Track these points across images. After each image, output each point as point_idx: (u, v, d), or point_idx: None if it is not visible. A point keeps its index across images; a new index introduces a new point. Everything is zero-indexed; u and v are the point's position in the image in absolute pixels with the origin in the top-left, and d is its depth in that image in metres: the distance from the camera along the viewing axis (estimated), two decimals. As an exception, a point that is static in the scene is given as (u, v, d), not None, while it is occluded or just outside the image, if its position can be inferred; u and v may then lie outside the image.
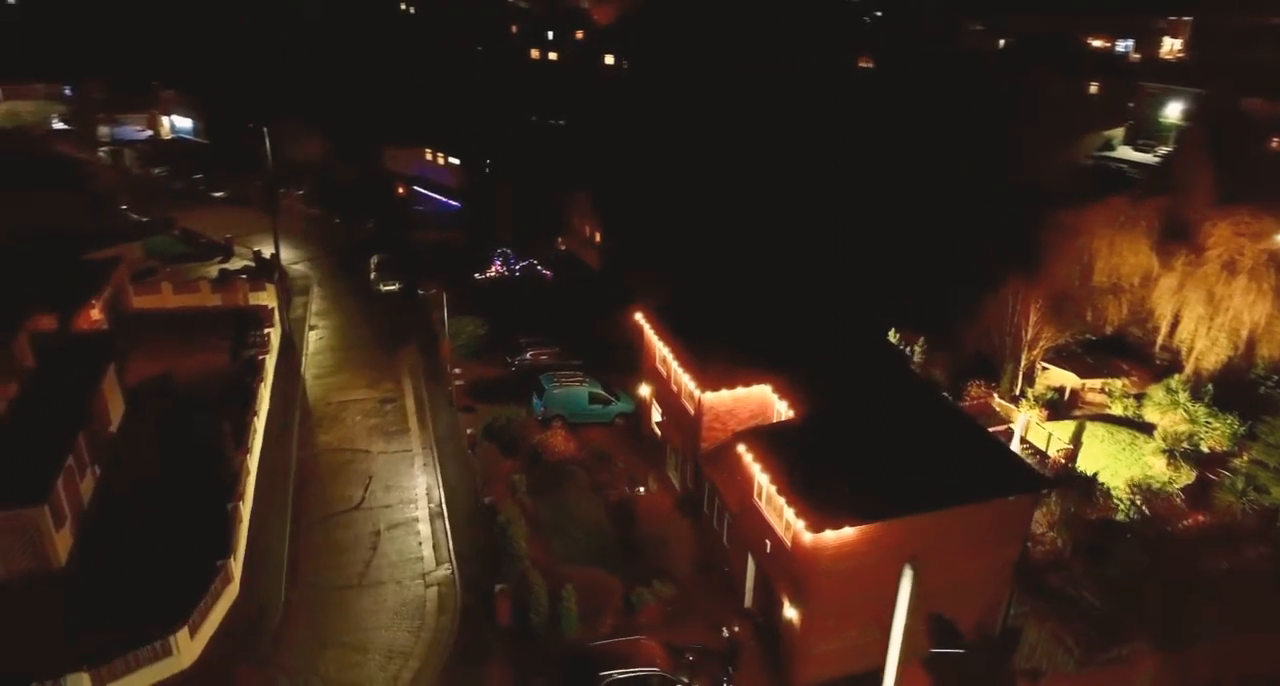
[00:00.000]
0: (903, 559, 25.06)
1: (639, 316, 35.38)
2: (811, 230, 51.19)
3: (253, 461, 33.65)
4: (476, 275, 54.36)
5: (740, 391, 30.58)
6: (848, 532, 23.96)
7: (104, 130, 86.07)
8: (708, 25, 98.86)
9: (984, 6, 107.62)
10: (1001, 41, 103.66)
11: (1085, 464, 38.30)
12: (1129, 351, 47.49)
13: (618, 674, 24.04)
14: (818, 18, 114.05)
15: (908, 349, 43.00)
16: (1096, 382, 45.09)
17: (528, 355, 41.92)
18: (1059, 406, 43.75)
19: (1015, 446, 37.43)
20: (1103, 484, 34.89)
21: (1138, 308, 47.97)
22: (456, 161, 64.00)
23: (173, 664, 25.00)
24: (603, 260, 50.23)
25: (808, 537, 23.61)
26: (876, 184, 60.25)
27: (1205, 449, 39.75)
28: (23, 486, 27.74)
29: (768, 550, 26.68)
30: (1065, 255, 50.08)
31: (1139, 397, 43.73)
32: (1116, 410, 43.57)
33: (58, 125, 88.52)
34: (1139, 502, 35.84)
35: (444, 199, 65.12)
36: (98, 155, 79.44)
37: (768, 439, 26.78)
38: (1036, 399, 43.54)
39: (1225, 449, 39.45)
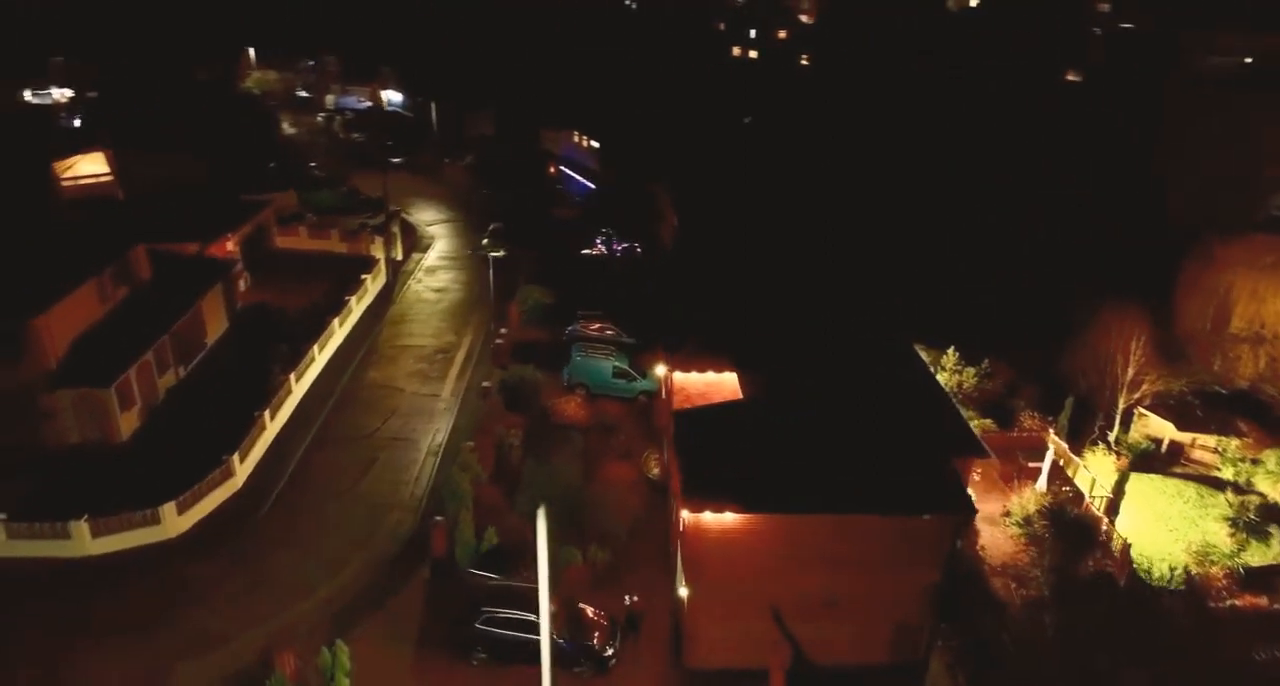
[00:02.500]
0: (797, 557, 24.65)
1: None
2: (903, 239, 49.04)
3: (298, 383, 38.06)
4: (584, 251, 56.95)
5: (712, 376, 30.65)
6: (730, 519, 23.74)
7: (330, 99, 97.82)
8: (898, 28, 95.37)
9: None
10: (1248, 60, 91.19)
11: (1141, 520, 34.48)
12: (1260, 411, 41.63)
13: (494, 610, 25.38)
14: (1040, 27, 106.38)
15: (963, 369, 40.29)
16: (1210, 440, 39.96)
17: (578, 325, 43.68)
18: (1152, 458, 39.37)
19: (1042, 484, 34.33)
20: (1120, 537, 31.28)
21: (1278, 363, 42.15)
22: (597, 145, 66.93)
23: (158, 532, 29.38)
24: (674, 246, 51.04)
25: (686, 516, 23.71)
26: (1016, 202, 56.26)
27: (1316, 531, 34.47)
28: (97, 371, 33.54)
29: (680, 528, 26.82)
30: (1197, 294, 44.79)
31: (1257, 462, 38.49)
32: (1226, 473, 38.58)
33: (300, 93, 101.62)
34: (1190, 570, 32.03)
35: (583, 179, 68.33)
36: (316, 120, 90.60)
37: (695, 417, 26.87)
38: (1130, 447, 39.51)
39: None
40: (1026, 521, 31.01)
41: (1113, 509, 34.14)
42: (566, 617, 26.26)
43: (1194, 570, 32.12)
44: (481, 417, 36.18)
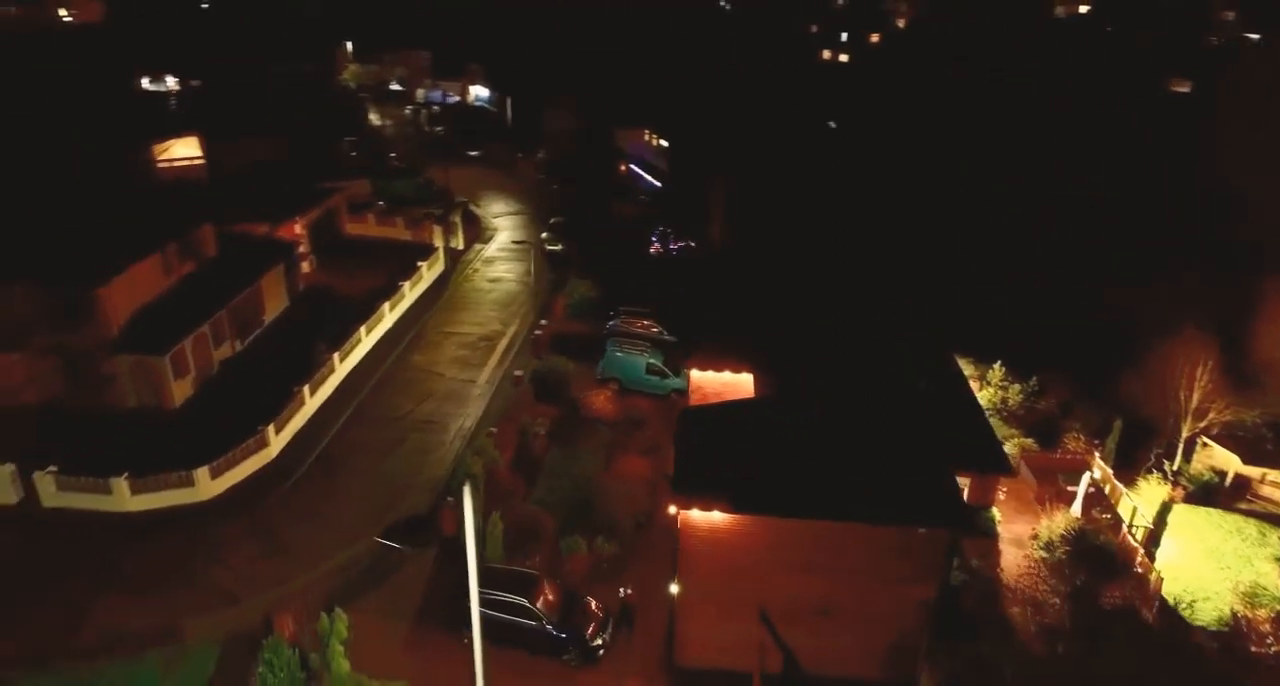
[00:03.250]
0: (787, 562, 24.31)
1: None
2: (956, 247, 47.50)
3: (342, 362, 39.51)
4: (645, 249, 57.23)
5: (729, 376, 30.45)
6: (719, 518, 23.56)
7: (420, 93, 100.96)
8: (994, 34, 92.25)
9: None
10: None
11: (1191, 555, 32.59)
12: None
13: (485, 590, 25.81)
14: (1154, 35, 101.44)
15: (1009, 385, 38.82)
16: (1280, 475, 37.49)
17: (617, 321, 43.90)
18: (1214, 491, 37.13)
19: (1076, 508, 32.75)
20: (1156, 569, 29.59)
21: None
22: (665, 144, 67.13)
23: (191, 494, 31.04)
24: (721, 245, 50.88)
25: (671, 510, 23.68)
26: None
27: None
28: (153, 340, 35.61)
29: (679, 524, 26.74)
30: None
31: (1335, 502, 35.96)
32: (1298, 512, 36.12)
33: (394, 86, 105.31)
34: (1236, 610, 30.17)
35: (650, 178, 68.60)
36: (404, 113, 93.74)
37: (699, 414, 26.76)
38: (1191, 478, 37.36)
39: None
40: (1049, 545, 29.68)
41: (1152, 539, 32.32)
42: (562, 605, 26.51)
43: (1240, 610, 30.19)
44: (510, 405, 36.84)
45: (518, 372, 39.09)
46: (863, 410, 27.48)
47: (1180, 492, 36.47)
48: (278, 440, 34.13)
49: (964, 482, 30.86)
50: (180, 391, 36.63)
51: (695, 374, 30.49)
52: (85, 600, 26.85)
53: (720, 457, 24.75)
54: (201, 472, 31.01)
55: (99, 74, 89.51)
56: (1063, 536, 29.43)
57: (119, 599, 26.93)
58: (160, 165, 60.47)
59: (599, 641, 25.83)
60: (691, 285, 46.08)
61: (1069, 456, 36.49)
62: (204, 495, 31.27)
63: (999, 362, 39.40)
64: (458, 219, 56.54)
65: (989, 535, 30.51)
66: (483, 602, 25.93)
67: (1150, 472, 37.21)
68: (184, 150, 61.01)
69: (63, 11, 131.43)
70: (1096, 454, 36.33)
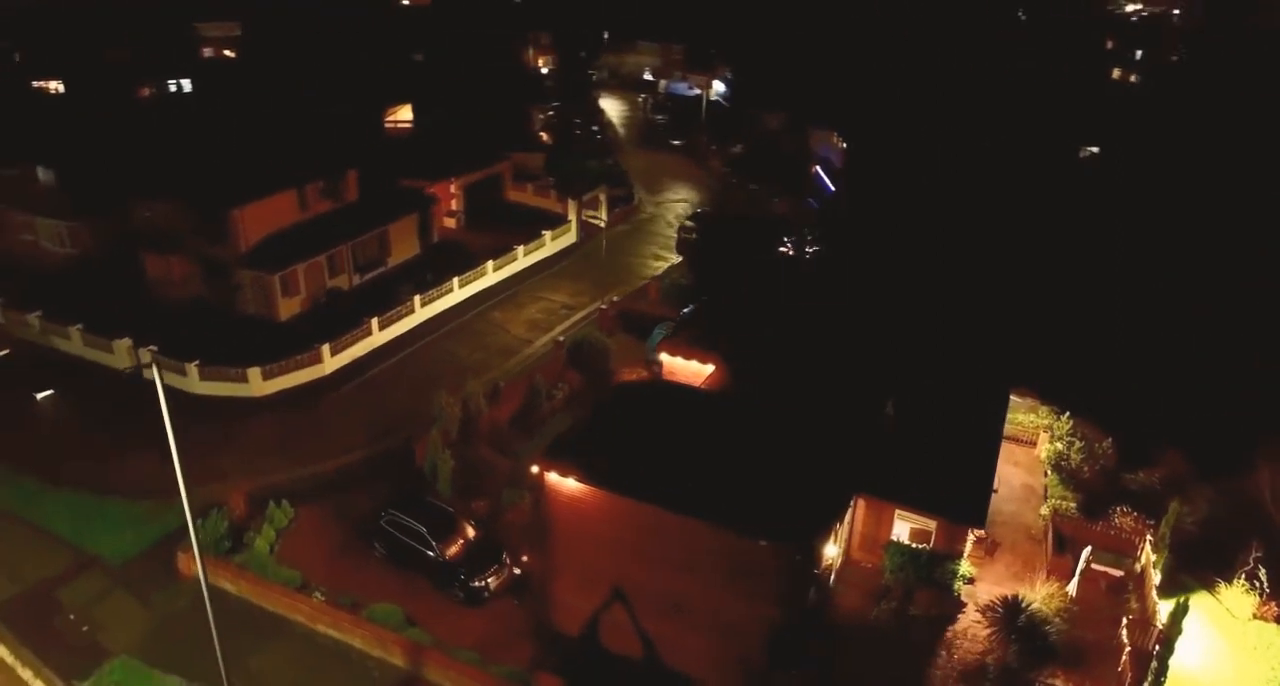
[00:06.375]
0: (636, 548, 24.17)
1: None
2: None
3: (423, 307, 43.51)
4: (779, 248, 56.15)
5: (695, 365, 29.98)
6: (574, 486, 23.74)
7: (663, 83, 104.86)
8: None
9: None
10: None
11: (1250, 675, 27.12)
12: None
13: (397, 513, 28.00)
14: None
15: (1073, 442, 33.84)
16: None
17: (692, 308, 43.74)
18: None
19: (1073, 588, 28.17)
20: (1128, 669, 24.86)
21: None
22: (845, 147, 64.72)
23: (245, 389, 36.37)
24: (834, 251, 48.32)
25: (533, 469, 24.26)
26: None
27: None
28: (270, 260, 41.75)
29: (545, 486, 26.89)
30: None
31: None
32: None
33: (646, 76, 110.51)
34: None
35: (827, 180, 66.52)
36: (638, 100, 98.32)
37: (628, 390, 26.84)
38: None
39: None
40: (989, 610, 25.97)
41: (1158, 642, 27.00)
42: (470, 546, 27.86)
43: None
44: (535, 366, 38.64)
45: (560, 338, 40.74)
46: (786, 420, 26.01)
47: (1273, 609, 30.00)
48: (333, 360, 38.69)
49: (931, 526, 28.01)
50: (287, 308, 42.59)
51: (666, 357, 30.36)
52: (130, 452, 32.80)
53: (605, 430, 24.83)
54: (254, 372, 36.22)
55: (393, 47, 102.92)
56: (1003, 601, 25.66)
57: (140, 458, 32.38)
58: (387, 124, 69.48)
59: (483, 583, 26.88)
60: (768, 286, 44.83)
61: (1113, 532, 31.20)
62: (255, 391, 36.49)
63: (1067, 414, 34.46)
64: (602, 196, 58.91)
65: (943, 587, 27.31)
66: (394, 525, 28.38)
67: (1240, 578, 30.89)
68: (405, 114, 69.52)
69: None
70: (1148, 536, 30.76)
